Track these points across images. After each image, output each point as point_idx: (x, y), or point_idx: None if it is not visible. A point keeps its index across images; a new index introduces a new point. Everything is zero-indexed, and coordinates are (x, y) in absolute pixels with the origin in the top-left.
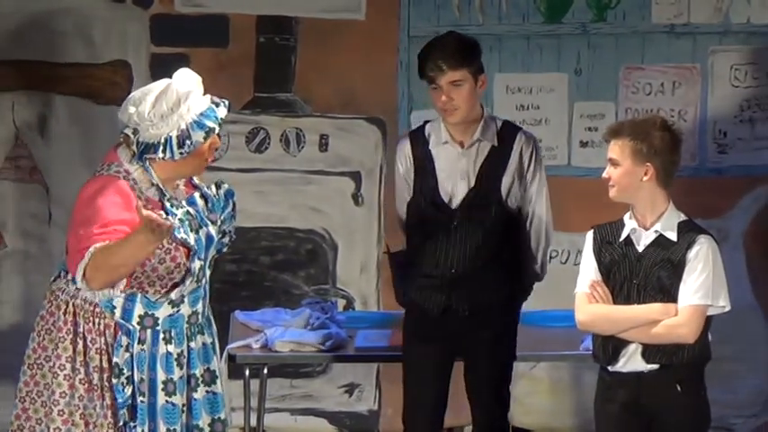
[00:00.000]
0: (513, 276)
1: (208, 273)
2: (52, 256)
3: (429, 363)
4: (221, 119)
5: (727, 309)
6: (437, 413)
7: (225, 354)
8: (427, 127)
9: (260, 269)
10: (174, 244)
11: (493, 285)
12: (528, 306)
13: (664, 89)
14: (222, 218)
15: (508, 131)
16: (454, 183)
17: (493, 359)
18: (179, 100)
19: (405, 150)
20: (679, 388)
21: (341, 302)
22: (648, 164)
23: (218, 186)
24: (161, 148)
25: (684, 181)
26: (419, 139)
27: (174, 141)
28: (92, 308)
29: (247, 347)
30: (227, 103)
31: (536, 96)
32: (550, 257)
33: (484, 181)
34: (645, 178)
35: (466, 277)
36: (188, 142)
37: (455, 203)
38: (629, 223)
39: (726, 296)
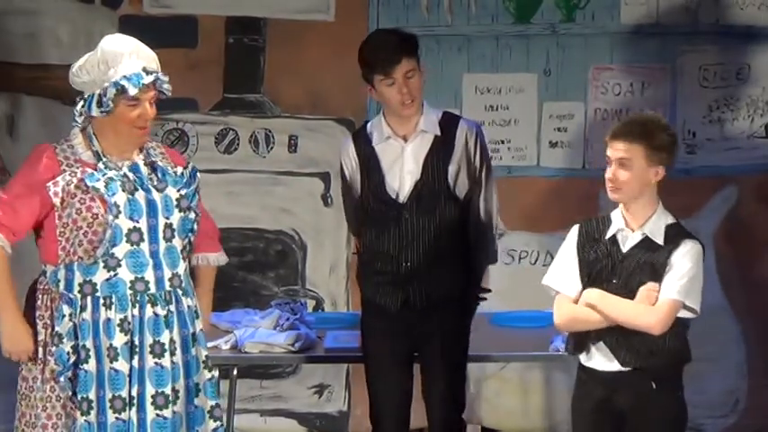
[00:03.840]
0: (468, 266)
1: (163, 245)
2: (21, 257)
3: (391, 359)
4: (144, 84)
5: (697, 314)
6: (403, 409)
7: None
8: (368, 126)
9: (229, 270)
10: (89, 194)
11: (448, 275)
12: (497, 306)
13: (633, 89)
14: (184, 193)
15: (450, 120)
16: (401, 177)
17: (446, 357)
18: (105, 60)
19: (349, 151)
20: (654, 386)
21: (310, 303)
22: (660, 166)
23: (185, 167)
24: (81, 103)
25: None
26: (362, 138)
27: (95, 99)
28: (41, 286)
29: (217, 348)
30: (159, 74)
31: (505, 97)
32: (520, 258)
33: (430, 172)
34: (654, 179)
35: (420, 270)
36: (104, 100)
37: (402, 197)
38: (617, 222)
39: (699, 301)
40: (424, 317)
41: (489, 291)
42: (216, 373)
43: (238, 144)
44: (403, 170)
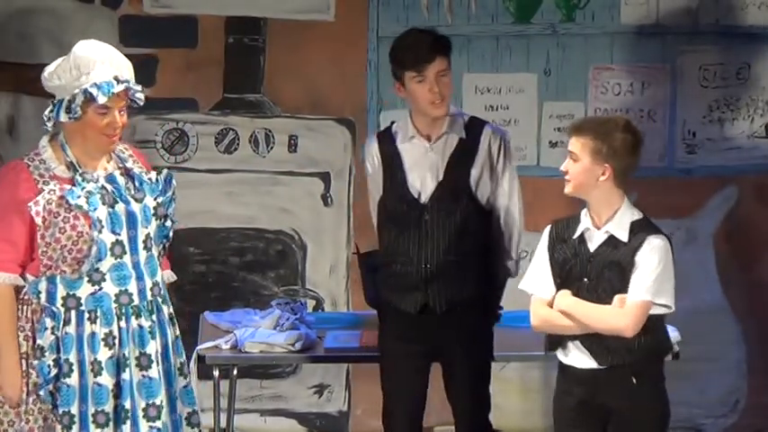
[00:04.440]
0: (488, 271)
1: (144, 255)
2: None
3: (406, 362)
4: (114, 93)
5: (671, 309)
6: (416, 413)
7: (194, 354)
8: (394, 126)
9: (229, 270)
10: (72, 212)
11: (468, 279)
12: None
13: (633, 89)
14: (161, 201)
15: (476, 125)
16: (423, 177)
17: (470, 359)
18: (77, 65)
19: (372, 150)
20: (635, 381)
21: (310, 303)
22: (607, 164)
23: (158, 172)
24: (50, 107)
25: (653, 181)
26: (386, 138)
27: (64, 104)
28: (20, 295)
29: (217, 348)
30: (131, 83)
31: (505, 97)
32: (519, 258)
33: (452, 174)
34: (602, 178)
35: (440, 272)
36: (73, 106)
37: (424, 198)
38: (584, 221)
39: (671, 296)
40: (443, 320)
41: (501, 308)
42: (215, 372)
43: (238, 144)
44: (426, 171)
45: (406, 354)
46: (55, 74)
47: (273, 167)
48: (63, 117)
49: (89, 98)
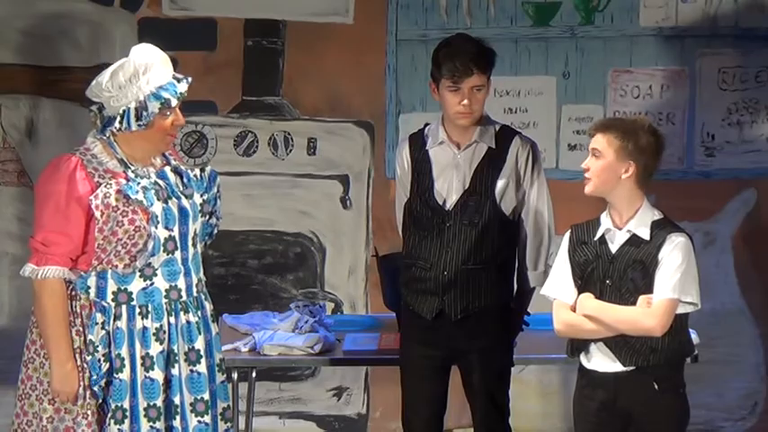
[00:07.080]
0: (509, 281)
1: (191, 251)
2: None
3: (424, 365)
4: (181, 93)
5: (698, 307)
6: (435, 415)
7: None
8: (426, 129)
9: (248, 272)
10: (131, 207)
11: (486, 289)
12: None
13: (652, 92)
14: (206, 198)
15: (506, 134)
16: (449, 184)
17: (487, 366)
18: (137, 72)
19: (403, 152)
20: (656, 386)
21: (329, 306)
22: (631, 162)
23: (201, 170)
24: (118, 119)
25: (672, 184)
26: (418, 141)
27: (132, 113)
28: (68, 291)
29: (235, 351)
30: (189, 79)
31: (524, 99)
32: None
33: (478, 183)
34: (624, 176)
35: (458, 280)
36: (144, 114)
37: (449, 205)
38: (605, 222)
39: (696, 293)
40: (459, 326)
41: (528, 314)
42: (234, 375)
43: (257, 147)
44: (453, 178)
45: (425, 356)
46: (110, 83)
47: (292, 170)
48: (134, 126)
49: (164, 104)
